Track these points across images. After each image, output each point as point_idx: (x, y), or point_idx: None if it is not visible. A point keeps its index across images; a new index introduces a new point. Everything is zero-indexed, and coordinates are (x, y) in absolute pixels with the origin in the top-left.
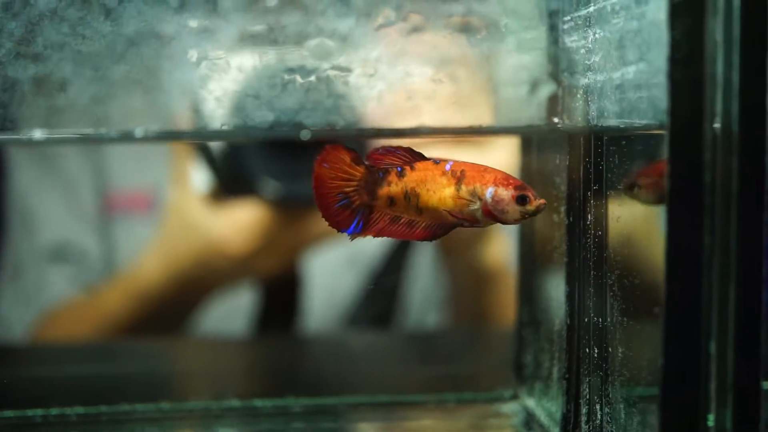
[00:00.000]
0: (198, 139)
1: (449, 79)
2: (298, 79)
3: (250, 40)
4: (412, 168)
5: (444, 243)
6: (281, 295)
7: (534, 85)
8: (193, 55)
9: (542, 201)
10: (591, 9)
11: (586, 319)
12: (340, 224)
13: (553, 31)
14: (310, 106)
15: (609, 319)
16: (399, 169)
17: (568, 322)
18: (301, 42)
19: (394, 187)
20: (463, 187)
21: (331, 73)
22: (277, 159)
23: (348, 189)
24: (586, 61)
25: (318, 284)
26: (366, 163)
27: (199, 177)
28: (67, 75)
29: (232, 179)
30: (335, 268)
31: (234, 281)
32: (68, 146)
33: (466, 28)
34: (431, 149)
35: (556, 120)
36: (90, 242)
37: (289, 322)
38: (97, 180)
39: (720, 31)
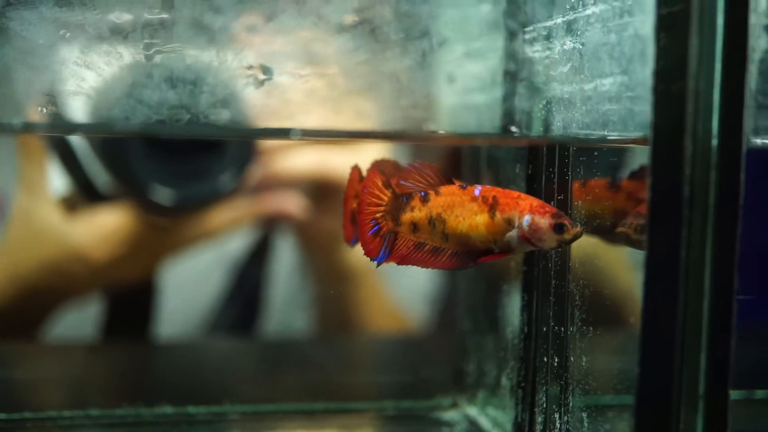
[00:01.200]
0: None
1: (398, 82)
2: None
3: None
4: (436, 192)
5: (306, 243)
6: (132, 303)
7: (489, 92)
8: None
9: (579, 229)
10: (558, 21)
11: (544, 328)
12: (371, 252)
13: (513, 40)
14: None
15: (571, 329)
16: (423, 193)
17: (525, 330)
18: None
19: (417, 212)
20: (498, 215)
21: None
22: (162, 162)
23: (378, 215)
24: (551, 72)
25: (179, 291)
26: (393, 188)
27: (55, 180)
28: None
29: (100, 182)
30: (199, 273)
31: (91, 289)
32: None
33: (417, 35)
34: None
35: (513, 129)
36: None
37: (140, 331)
38: None
39: (703, 46)
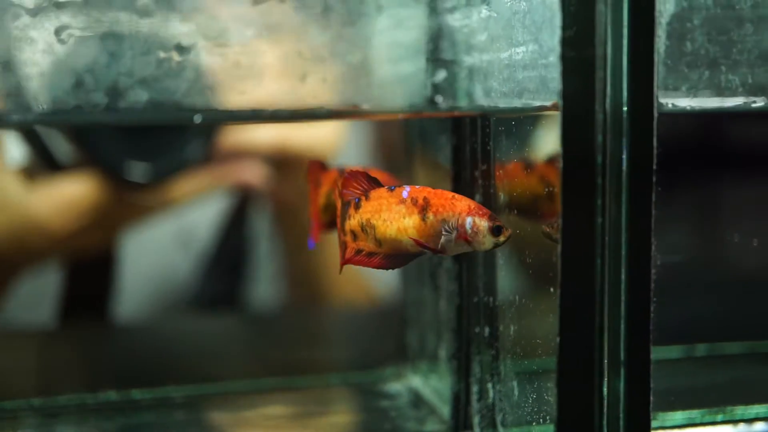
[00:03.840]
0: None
1: (321, 58)
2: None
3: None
4: (366, 198)
5: (273, 213)
6: (91, 275)
7: (413, 64)
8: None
9: (510, 231)
10: None
11: (475, 299)
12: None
13: (433, 9)
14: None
15: (500, 298)
16: (357, 200)
17: (458, 301)
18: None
19: (352, 220)
20: (431, 216)
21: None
22: (124, 135)
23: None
24: (471, 41)
25: (142, 264)
26: (341, 196)
27: (13, 150)
28: None
29: (62, 153)
30: (163, 248)
31: (50, 258)
32: None
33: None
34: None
35: (439, 99)
36: None
37: (99, 305)
38: None
39: (609, 13)
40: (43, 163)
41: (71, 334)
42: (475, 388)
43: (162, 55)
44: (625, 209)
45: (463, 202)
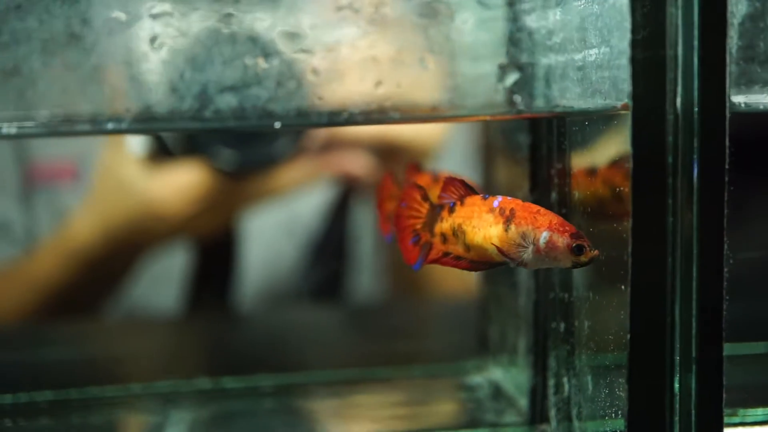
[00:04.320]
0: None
1: (413, 62)
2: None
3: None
4: (461, 203)
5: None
6: (217, 255)
7: (494, 66)
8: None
9: (596, 252)
10: None
11: (552, 295)
12: (410, 259)
13: (513, 11)
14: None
15: (575, 294)
16: (451, 204)
17: (534, 297)
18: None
19: (444, 223)
20: (513, 228)
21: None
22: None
23: (418, 226)
24: (547, 42)
25: (255, 250)
26: (431, 200)
27: (135, 139)
28: None
29: (173, 141)
30: (272, 237)
31: (168, 243)
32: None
33: (427, 11)
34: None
35: (518, 99)
36: (12, 213)
37: (225, 284)
38: (19, 149)
39: (680, 14)
40: (158, 152)
41: (194, 320)
42: (551, 382)
43: (248, 62)
44: (696, 209)
45: (545, 217)
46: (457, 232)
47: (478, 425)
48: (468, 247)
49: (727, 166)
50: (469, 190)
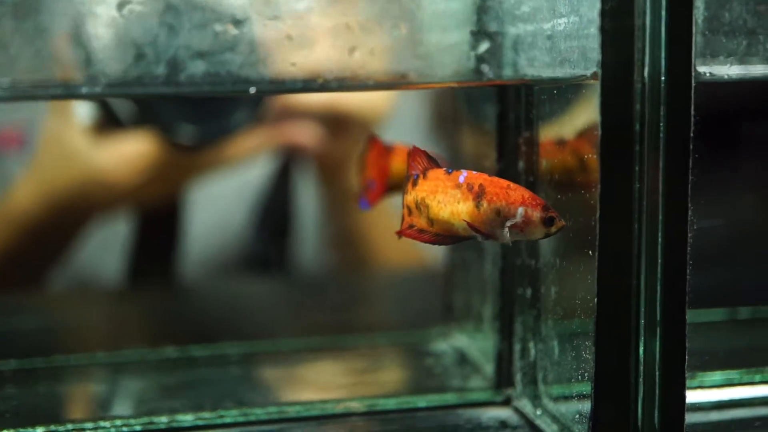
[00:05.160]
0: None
1: (375, 30)
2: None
3: None
4: (424, 176)
5: (322, 175)
6: (161, 224)
7: (461, 35)
8: None
9: (563, 223)
10: None
11: (518, 261)
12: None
13: None
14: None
15: (542, 260)
16: (415, 176)
17: (501, 264)
18: None
19: (408, 195)
20: (485, 204)
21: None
22: (179, 99)
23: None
24: (516, 11)
25: (202, 219)
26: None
27: (83, 108)
28: None
29: (124, 112)
30: (220, 205)
31: (114, 211)
32: None
33: None
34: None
35: (485, 68)
36: None
37: (168, 254)
38: None
39: None
40: (107, 122)
41: (137, 289)
42: (517, 347)
43: (218, 28)
44: (662, 176)
45: (517, 192)
46: (420, 206)
47: (444, 390)
48: (432, 222)
49: (692, 134)
50: (432, 162)
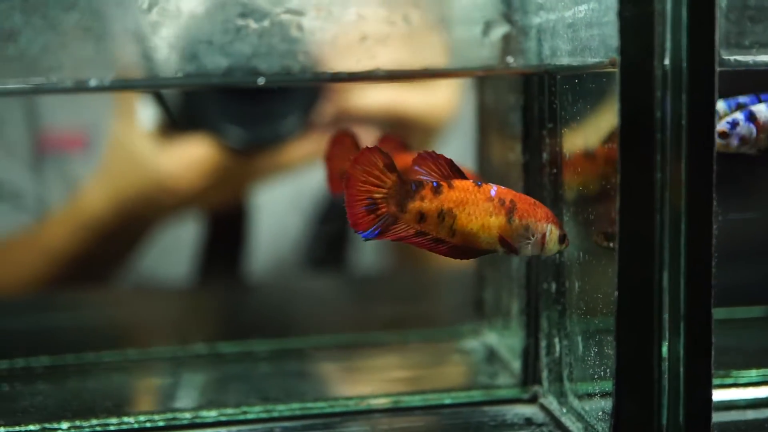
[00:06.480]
0: (151, 88)
1: (402, 20)
2: (252, 24)
3: None
4: (449, 186)
5: None
6: (228, 227)
7: (487, 25)
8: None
9: (568, 241)
10: None
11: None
12: (359, 225)
13: None
14: (264, 51)
15: (565, 255)
16: (435, 184)
17: (526, 259)
18: None
19: (427, 203)
20: (517, 220)
21: (285, 17)
22: (234, 103)
23: (377, 195)
24: (539, 0)
25: (264, 223)
26: (398, 172)
27: (146, 113)
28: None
29: (184, 117)
30: (280, 209)
31: (177, 215)
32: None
33: None
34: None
35: (510, 59)
36: (24, 183)
37: (235, 255)
38: (30, 119)
39: None
40: (169, 126)
41: (206, 289)
42: (543, 343)
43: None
44: (685, 164)
45: (542, 210)
46: (445, 215)
47: (471, 388)
48: (454, 233)
49: (716, 122)
50: (456, 172)
